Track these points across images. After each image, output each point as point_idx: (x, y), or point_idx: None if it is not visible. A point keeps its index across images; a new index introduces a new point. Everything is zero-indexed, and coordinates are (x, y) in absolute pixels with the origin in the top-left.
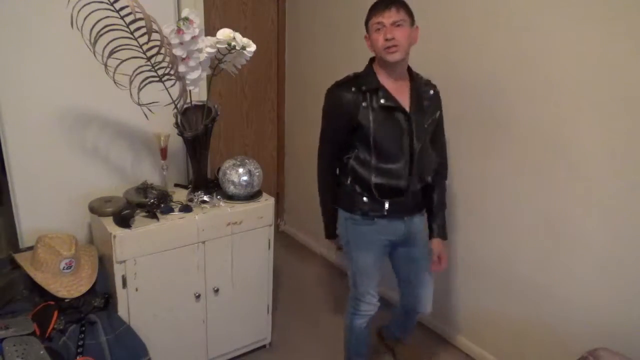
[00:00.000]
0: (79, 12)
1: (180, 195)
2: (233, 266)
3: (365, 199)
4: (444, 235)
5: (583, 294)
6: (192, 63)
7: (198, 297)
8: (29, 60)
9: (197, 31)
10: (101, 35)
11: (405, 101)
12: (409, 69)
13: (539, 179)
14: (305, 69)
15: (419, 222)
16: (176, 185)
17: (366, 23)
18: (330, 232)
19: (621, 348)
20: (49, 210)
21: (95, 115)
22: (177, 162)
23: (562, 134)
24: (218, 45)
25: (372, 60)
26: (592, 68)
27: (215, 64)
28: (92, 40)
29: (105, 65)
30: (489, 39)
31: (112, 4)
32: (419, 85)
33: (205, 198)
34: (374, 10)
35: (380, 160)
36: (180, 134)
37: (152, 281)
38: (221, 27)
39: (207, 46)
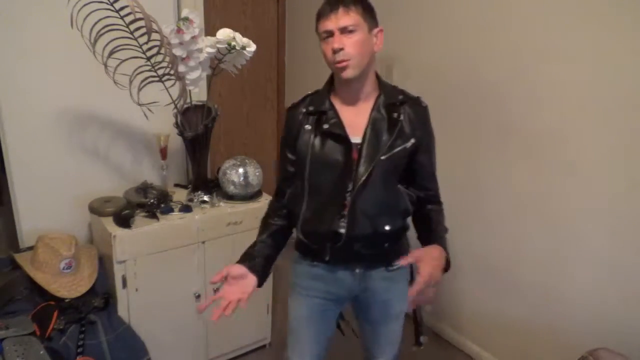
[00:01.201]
0: (79, 12)
1: (180, 195)
2: None
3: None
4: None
5: (583, 294)
6: (192, 63)
7: (198, 297)
8: (29, 60)
9: (197, 31)
10: (101, 35)
11: (360, 126)
12: (381, 84)
13: (540, 180)
14: (305, 69)
15: (382, 278)
16: (176, 185)
17: (316, 30)
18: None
19: (621, 348)
20: (49, 210)
21: (95, 115)
22: (177, 162)
23: (563, 134)
24: (218, 45)
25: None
26: (591, 69)
27: (215, 64)
28: (92, 40)
29: (105, 65)
30: (489, 41)
31: (112, 4)
32: (388, 106)
33: (205, 198)
34: (320, 14)
35: (311, 198)
36: (180, 134)
37: (152, 281)
38: (221, 27)
39: (207, 46)
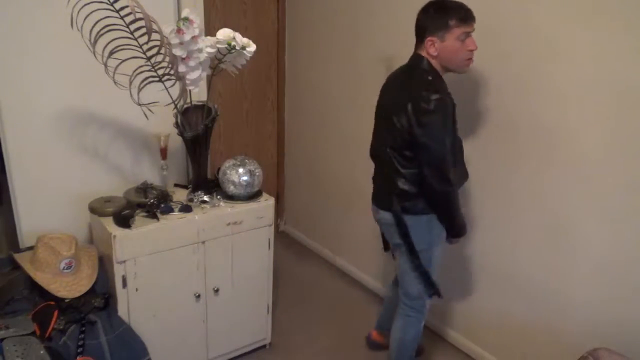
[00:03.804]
0: (79, 12)
1: (180, 195)
2: (233, 266)
3: None
4: None
5: (583, 294)
6: (192, 63)
7: (198, 297)
8: (29, 60)
9: (197, 31)
10: (101, 35)
11: None
12: None
13: (539, 179)
14: (305, 69)
15: None
16: (176, 185)
17: (442, 27)
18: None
19: (621, 348)
20: (49, 210)
21: (95, 115)
22: (177, 162)
23: (562, 134)
24: (218, 45)
25: (422, 58)
26: (592, 68)
27: (215, 64)
28: (92, 40)
29: (105, 65)
30: (489, 41)
31: (112, 4)
32: None
33: (205, 198)
34: (464, 19)
35: (459, 160)
36: (180, 134)
37: (152, 281)
38: (221, 27)
39: (207, 46)
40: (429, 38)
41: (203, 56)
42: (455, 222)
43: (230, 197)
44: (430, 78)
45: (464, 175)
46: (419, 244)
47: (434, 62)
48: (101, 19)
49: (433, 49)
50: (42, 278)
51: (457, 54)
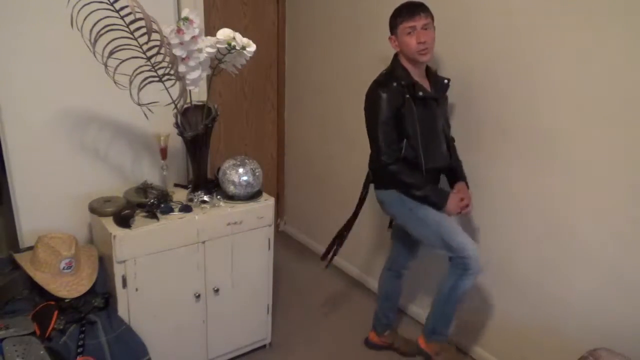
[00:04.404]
0: (79, 12)
1: (180, 195)
2: (233, 266)
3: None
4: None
5: (583, 294)
6: (192, 63)
7: (198, 297)
8: (29, 60)
9: (197, 31)
10: (101, 35)
11: (428, 89)
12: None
13: (540, 181)
14: (305, 69)
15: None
16: (176, 185)
17: (394, 26)
18: (445, 196)
19: (621, 348)
20: (49, 210)
21: (95, 115)
22: (177, 162)
23: (562, 134)
24: (218, 45)
25: (396, 55)
26: (592, 70)
27: (215, 64)
28: (92, 41)
29: (105, 65)
30: (489, 41)
31: (112, 4)
32: (435, 77)
33: (205, 198)
34: (403, 16)
35: (426, 144)
36: (180, 134)
37: (152, 281)
38: (221, 27)
39: (207, 46)
40: (389, 37)
41: (203, 56)
42: (414, 196)
43: (231, 197)
44: (384, 72)
45: (438, 159)
46: (400, 216)
47: (400, 57)
48: (101, 19)
49: (394, 45)
50: (42, 278)
51: (409, 47)
